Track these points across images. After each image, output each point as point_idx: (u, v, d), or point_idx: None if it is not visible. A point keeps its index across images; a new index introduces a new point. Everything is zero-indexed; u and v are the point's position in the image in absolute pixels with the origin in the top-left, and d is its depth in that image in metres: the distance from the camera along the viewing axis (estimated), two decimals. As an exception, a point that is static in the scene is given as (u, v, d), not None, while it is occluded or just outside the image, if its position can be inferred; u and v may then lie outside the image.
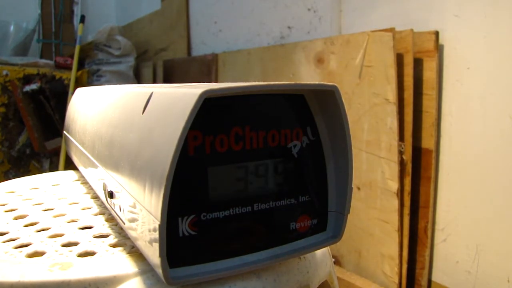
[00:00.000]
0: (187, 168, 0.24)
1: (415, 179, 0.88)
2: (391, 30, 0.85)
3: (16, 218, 0.38)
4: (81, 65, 1.78)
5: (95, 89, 0.49)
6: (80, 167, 0.48)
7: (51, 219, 0.37)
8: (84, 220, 0.37)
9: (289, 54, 1.11)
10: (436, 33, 0.83)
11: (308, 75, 1.05)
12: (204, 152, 0.25)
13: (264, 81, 0.27)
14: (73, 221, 0.37)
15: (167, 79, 1.74)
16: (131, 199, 0.26)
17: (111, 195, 0.32)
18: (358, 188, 0.93)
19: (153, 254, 0.23)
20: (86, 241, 0.32)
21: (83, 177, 0.53)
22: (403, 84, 0.86)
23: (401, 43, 0.86)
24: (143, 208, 0.24)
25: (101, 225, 0.36)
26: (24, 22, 2.01)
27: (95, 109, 0.41)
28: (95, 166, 0.36)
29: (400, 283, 0.86)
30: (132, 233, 0.28)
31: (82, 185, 0.50)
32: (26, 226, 0.36)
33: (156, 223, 0.22)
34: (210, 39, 1.59)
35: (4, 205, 0.42)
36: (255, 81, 0.27)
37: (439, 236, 0.87)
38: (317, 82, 0.27)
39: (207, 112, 0.24)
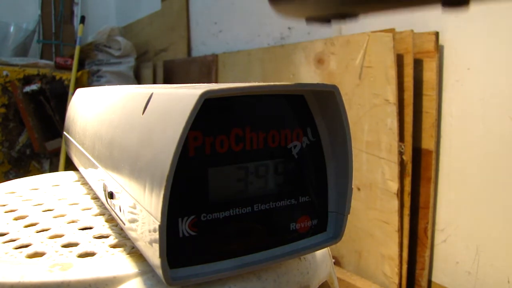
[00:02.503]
0: (187, 168, 0.24)
1: (415, 180, 0.88)
2: (391, 30, 0.85)
3: (16, 219, 0.38)
4: (81, 66, 1.78)
5: (95, 90, 0.49)
6: (80, 167, 0.48)
7: (51, 219, 0.37)
8: (84, 220, 0.37)
9: (289, 54, 1.11)
10: (436, 34, 0.83)
11: (308, 76, 1.05)
12: (204, 153, 0.25)
13: (264, 82, 0.27)
14: (73, 221, 0.37)
15: (167, 80, 1.74)
16: (131, 200, 0.26)
17: (111, 195, 0.32)
18: (358, 189, 0.93)
19: (153, 254, 0.23)
20: (86, 242, 0.32)
21: (83, 177, 0.53)
22: (403, 85, 0.86)
23: (401, 44, 0.86)
24: (143, 209, 0.24)
25: (101, 226, 0.36)
26: (24, 23, 2.01)
27: (95, 109, 0.41)
28: (95, 167, 0.36)
29: (400, 283, 0.86)
30: (132, 234, 0.28)
31: (82, 185, 0.50)
32: (26, 226, 0.36)
33: (156, 224, 0.22)
34: (210, 39, 1.59)
35: (4, 205, 0.42)
36: (255, 82, 0.27)
37: (439, 237, 0.87)
38: (317, 83, 0.27)
39: (207, 112, 0.24)
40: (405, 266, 0.86)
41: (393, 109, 0.84)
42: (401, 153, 0.85)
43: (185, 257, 0.25)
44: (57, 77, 1.70)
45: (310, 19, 0.24)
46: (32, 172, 1.67)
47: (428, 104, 0.85)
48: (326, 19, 0.23)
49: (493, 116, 0.77)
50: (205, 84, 0.29)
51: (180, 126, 0.22)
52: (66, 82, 1.70)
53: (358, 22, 1.06)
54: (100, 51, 1.80)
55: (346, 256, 0.98)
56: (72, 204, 0.42)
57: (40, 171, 1.69)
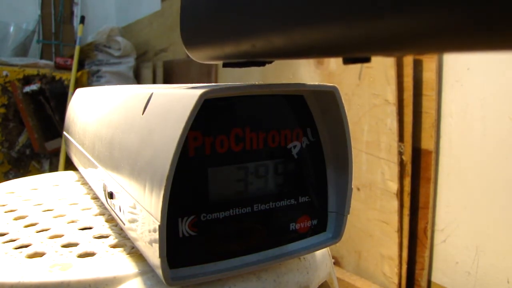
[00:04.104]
0: (187, 168, 0.24)
1: (414, 180, 0.88)
2: (391, 31, 0.85)
3: (16, 219, 0.38)
4: (81, 66, 1.78)
5: (95, 90, 0.49)
6: (80, 167, 0.48)
7: (51, 219, 0.37)
8: (84, 220, 0.37)
9: (289, 55, 1.11)
10: (436, 34, 0.83)
11: (308, 76, 1.06)
12: (204, 153, 0.25)
13: (264, 82, 0.27)
14: (73, 221, 0.37)
15: (167, 80, 1.74)
16: (131, 200, 0.26)
17: (111, 195, 0.32)
18: (358, 189, 0.93)
19: (153, 254, 0.23)
20: (86, 242, 0.32)
21: (83, 177, 0.53)
22: (402, 85, 0.86)
23: (401, 44, 0.86)
24: (143, 209, 0.24)
25: (101, 226, 0.36)
26: (24, 23, 2.01)
27: (95, 109, 0.41)
28: (95, 167, 0.36)
29: (399, 283, 0.86)
30: (132, 234, 0.28)
31: (82, 185, 0.50)
32: (26, 226, 0.36)
33: (156, 224, 0.22)
34: (210, 40, 1.58)
35: (4, 205, 0.42)
36: (255, 82, 0.27)
37: (438, 237, 0.87)
38: (317, 83, 0.27)
39: (207, 113, 0.24)
40: (404, 266, 0.86)
41: (392, 109, 0.84)
42: (400, 153, 0.85)
43: (185, 257, 0.25)
44: (57, 77, 1.70)
45: (225, 65, 0.26)
46: (32, 172, 1.67)
47: (428, 104, 0.85)
48: (241, 65, 0.25)
49: (493, 116, 0.77)
50: (205, 84, 0.29)
51: (180, 126, 0.22)
52: (66, 82, 1.70)
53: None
54: (100, 51, 1.80)
55: (345, 256, 0.98)
56: (72, 204, 0.42)
57: (40, 171, 1.69)
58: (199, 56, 0.27)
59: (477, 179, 0.80)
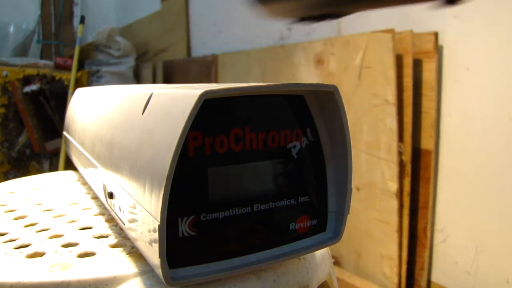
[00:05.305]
0: (187, 168, 0.24)
1: (414, 180, 0.88)
2: (391, 31, 0.85)
3: (16, 219, 0.38)
4: (81, 66, 1.78)
5: (95, 90, 0.49)
6: (80, 167, 0.48)
7: (51, 219, 0.37)
8: (84, 220, 0.37)
9: (288, 55, 1.12)
10: (436, 34, 0.83)
11: (307, 76, 1.06)
12: (204, 153, 0.25)
13: (264, 82, 0.27)
14: (73, 221, 0.37)
15: (167, 80, 1.74)
16: (131, 200, 0.26)
17: (111, 195, 0.32)
18: (358, 189, 0.93)
19: (153, 254, 0.23)
20: (86, 242, 0.32)
21: (82, 177, 0.53)
22: (402, 85, 0.86)
23: (401, 44, 0.86)
24: (143, 209, 0.24)
25: (101, 226, 0.36)
26: (24, 23, 2.01)
27: (95, 109, 0.41)
28: (95, 167, 0.36)
29: (399, 283, 0.86)
30: (132, 234, 0.28)
31: (82, 185, 0.50)
32: (26, 226, 0.36)
33: (156, 224, 0.22)
34: (210, 40, 1.59)
35: (4, 205, 0.42)
36: (255, 82, 0.27)
37: (438, 237, 0.87)
38: (316, 83, 0.27)
39: (207, 113, 0.24)
40: (404, 266, 0.86)
41: (392, 110, 0.84)
42: (400, 153, 0.85)
43: (185, 257, 0.25)
44: (57, 77, 1.70)
45: (301, 20, 0.25)
46: (32, 172, 1.67)
47: (428, 104, 0.86)
48: (318, 18, 0.24)
49: (492, 116, 0.77)
50: (205, 84, 0.29)
51: (180, 126, 0.22)
52: (66, 82, 1.70)
53: (358, 23, 1.06)
54: (100, 51, 1.80)
55: (345, 256, 0.98)
56: (72, 204, 0.42)
57: (40, 171, 1.69)
58: (276, 12, 0.26)
59: (476, 179, 0.80)
